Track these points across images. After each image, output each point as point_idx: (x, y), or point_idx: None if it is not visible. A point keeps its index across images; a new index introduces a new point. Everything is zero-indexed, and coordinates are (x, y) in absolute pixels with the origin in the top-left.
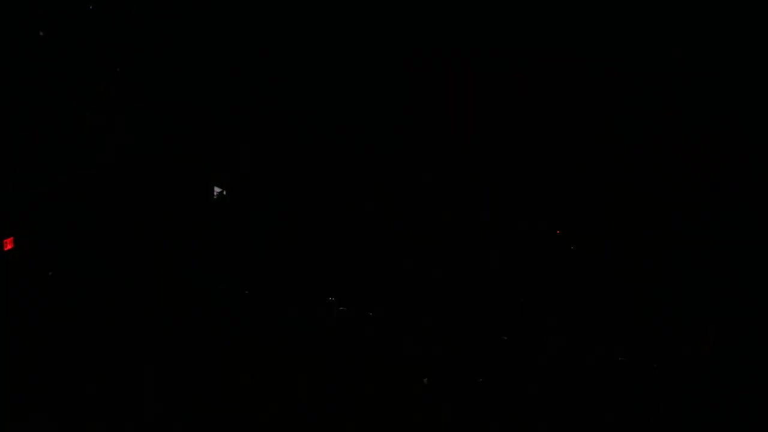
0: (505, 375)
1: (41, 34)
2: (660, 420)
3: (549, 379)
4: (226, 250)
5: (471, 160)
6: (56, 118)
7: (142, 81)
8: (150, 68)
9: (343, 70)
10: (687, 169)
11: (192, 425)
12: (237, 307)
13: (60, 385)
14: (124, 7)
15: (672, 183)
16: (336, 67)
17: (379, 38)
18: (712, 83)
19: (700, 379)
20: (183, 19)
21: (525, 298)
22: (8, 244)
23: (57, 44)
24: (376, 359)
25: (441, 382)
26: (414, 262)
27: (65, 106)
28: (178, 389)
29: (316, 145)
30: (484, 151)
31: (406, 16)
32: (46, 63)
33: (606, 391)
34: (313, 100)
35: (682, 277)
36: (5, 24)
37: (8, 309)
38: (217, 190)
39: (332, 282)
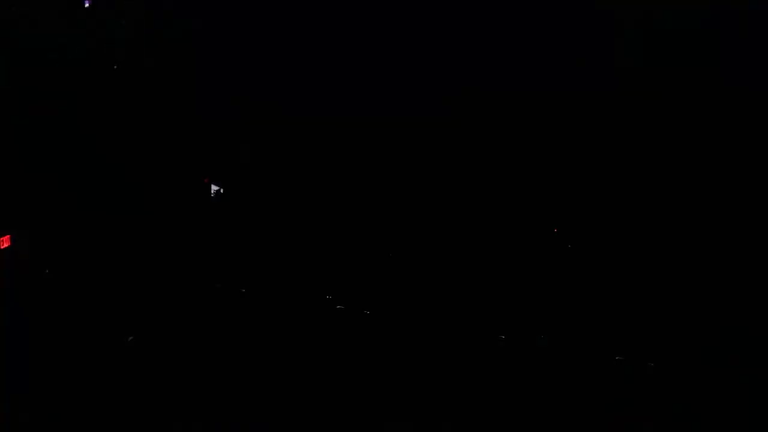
0: (504, 373)
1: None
2: (659, 419)
3: (548, 378)
4: (224, 249)
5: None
6: (55, 118)
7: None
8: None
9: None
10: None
11: (190, 423)
12: (234, 306)
13: (59, 384)
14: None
15: (671, 182)
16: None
17: None
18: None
19: (698, 378)
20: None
21: (523, 296)
22: (4, 243)
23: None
24: (374, 357)
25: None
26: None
27: (62, 105)
28: (177, 388)
29: (315, 145)
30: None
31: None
32: (46, 61)
33: (605, 390)
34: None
35: (681, 276)
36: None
37: (5, 307)
38: (214, 188)
39: (330, 281)
